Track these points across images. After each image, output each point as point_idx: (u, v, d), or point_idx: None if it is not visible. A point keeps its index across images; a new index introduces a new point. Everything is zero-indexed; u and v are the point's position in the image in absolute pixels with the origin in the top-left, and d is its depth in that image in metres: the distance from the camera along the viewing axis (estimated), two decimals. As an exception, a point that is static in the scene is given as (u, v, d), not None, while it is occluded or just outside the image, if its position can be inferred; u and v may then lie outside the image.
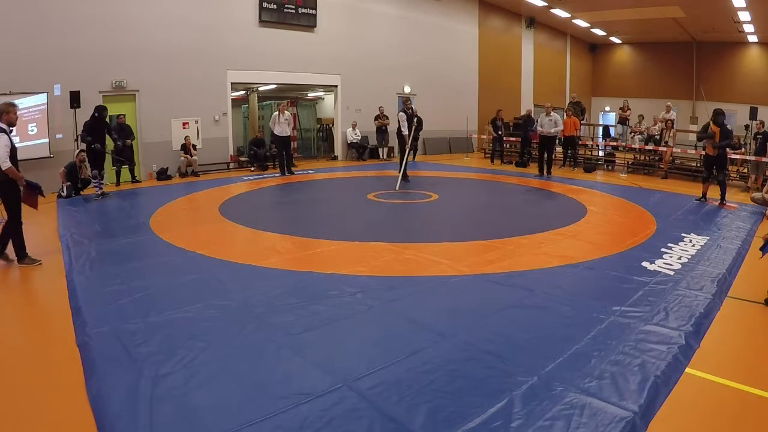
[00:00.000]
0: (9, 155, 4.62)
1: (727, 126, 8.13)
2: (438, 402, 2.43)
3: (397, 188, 9.15)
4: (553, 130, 11.35)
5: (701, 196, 8.23)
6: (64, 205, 7.80)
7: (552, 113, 11.56)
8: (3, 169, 4.61)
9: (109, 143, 8.95)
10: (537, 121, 11.91)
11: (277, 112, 11.30)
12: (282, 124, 11.09)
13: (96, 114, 8.32)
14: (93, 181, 8.38)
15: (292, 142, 12.71)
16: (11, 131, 4.74)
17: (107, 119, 8.64)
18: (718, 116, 8.00)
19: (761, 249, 4.07)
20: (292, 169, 11.69)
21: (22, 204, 4.84)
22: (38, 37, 8.95)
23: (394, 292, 3.93)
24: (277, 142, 11.33)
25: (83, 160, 8.86)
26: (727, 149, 8.45)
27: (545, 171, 11.38)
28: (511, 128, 15.20)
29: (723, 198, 8.05)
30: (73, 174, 8.68)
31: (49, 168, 8.97)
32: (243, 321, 3.38)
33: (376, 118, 14.37)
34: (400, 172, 9.63)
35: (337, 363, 2.81)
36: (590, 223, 6.53)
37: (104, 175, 8.78)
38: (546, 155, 11.48)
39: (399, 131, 9.93)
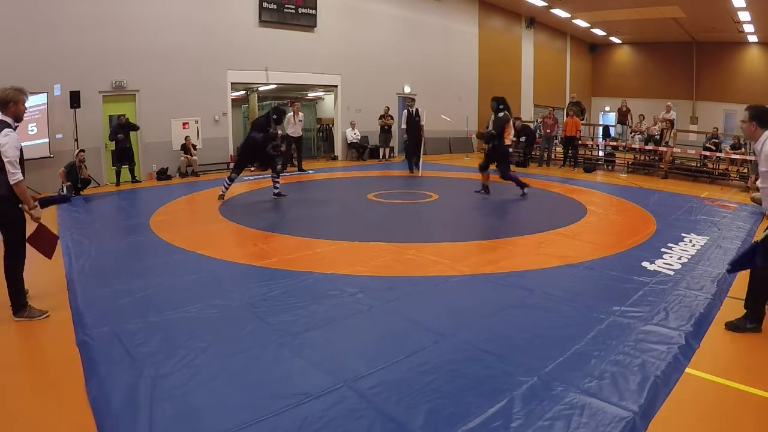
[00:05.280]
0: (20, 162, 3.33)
1: (501, 114, 7.76)
2: (438, 402, 2.43)
3: (420, 173, 11.06)
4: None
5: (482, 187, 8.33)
6: (64, 205, 7.79)
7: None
8: (11, 182, 3.25)
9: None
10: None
11: (291, 113, 11.46)
12: (297, 125, 11.54)
13: (275, 116, 7.66)
14: (275, 182, 8.06)
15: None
16: (16, 128, 3.42)
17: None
18: (492, 103, 7.80)
19: (728, 272, 3.88)
20: (303, 167, 12.12)
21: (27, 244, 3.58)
22: (38, 37, 8.94)
23: (394, 292, 3.93)
24: (291, 142, 11.67)
25: (83, 160, 8.86)
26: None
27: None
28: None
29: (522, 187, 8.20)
30: (73, 174, 8.68)
31: (49, 168, 8.98)
32: (243, 321, 3.38)
33: (381, 117, 14.34)
34: (414, 163, 11.22)
35: (337, 363, 2.81)
36: (590, 223, 6.53)
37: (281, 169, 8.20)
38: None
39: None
